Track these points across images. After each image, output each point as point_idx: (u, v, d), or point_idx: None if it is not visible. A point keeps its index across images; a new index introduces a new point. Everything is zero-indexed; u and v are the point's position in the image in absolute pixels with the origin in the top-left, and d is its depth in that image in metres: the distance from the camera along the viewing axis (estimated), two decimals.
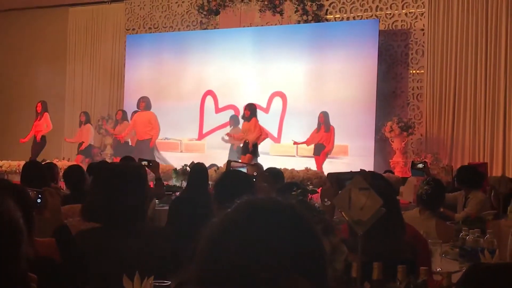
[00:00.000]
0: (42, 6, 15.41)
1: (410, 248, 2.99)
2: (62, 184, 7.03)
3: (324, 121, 11.53)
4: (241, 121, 11.77)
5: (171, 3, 14.29)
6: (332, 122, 11.52)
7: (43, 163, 7.99)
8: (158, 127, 12.90)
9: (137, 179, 3.10)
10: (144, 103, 12.98)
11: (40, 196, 2.93)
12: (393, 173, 10.34)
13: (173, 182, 9.17)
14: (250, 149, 10.93)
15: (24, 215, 1.52)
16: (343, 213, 2.44)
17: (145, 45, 14.10)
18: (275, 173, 6.73)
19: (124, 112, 13.28)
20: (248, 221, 1.21)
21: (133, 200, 3.01)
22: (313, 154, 11.59)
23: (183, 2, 14.15)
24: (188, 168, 7.48)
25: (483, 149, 11.12)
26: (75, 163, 11.76)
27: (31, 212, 2.77)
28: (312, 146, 11.66)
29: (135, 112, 13.14)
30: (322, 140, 11.56)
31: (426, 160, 9.11)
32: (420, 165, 7.07)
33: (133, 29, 14.72)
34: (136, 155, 9.72)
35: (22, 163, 10.09)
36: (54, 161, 10.70)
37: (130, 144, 13.07)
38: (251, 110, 11.16)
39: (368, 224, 2.38)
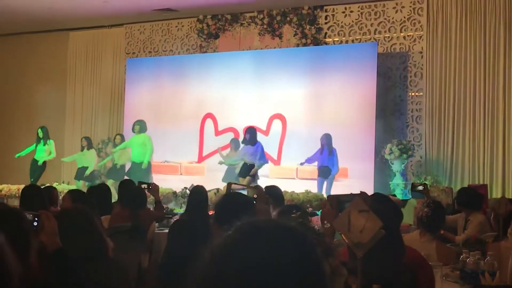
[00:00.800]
0: (43, 31, 15.49)
1: (410, 270, 2.98)
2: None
3: (326, 144, 11.50)
4: (241, 144, 11.80)
5: (171, 27, 14.38)
6: (332, 144, 11.53)
7: (42, 187, 7.99)
8: (151, 149, 12.88)
9: (83, 222, 3.11)
10: (138, 126, 12.96)
11: (36, 219, 2.94)
12: (394, 195, 10.33)
13: (173, 205, 9.18)
14: (251, 173, 10.95)
15: (21, 238, 1.53)
16: (342, 235, 2.44)
17: (145, 68, 14.16)
18: (275, 195, 6.73)
19: (123, 137, 13.29)
20: (249, 243, 1.22)
21: (81, 243, 3.01)
22: (318, 176, 11.53)
23: (182, 26, 14.23)
24: (187, 191, 7.48)
25: (483, 170, 11.12)
26: (75, 187, 11.81)
27: (28, 235, 2.77)
28: (315, 168, 11.62)
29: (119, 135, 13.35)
30: (325, 163, 11.52)
31: (426, 182, 9.10)
32: (420, 187, 7.05)
33: (133, 53, 14.79)
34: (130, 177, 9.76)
35: (22, 186, 10.10)
36: (54, 185, 10.73)
37: (125, 169, 13.01)
38: (251, 133, 11.20)
39: (367, 247, 2.38)
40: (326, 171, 11.47)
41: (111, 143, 13.75)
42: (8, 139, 15.23)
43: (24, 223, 2.83)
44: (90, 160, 13.29)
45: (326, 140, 11.49)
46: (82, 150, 13.52)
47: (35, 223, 2.93)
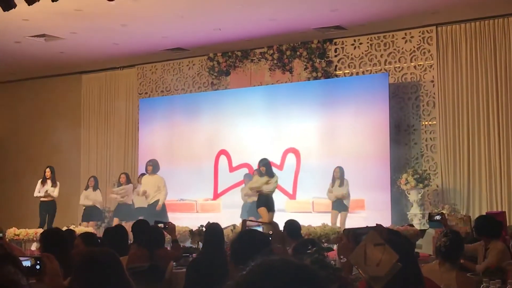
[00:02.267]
0: (56, 75, 15.70)
1: None
2: None
3: (339, 176, 11.44)
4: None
5: (182, 66, 14.50)
6: (347, 176, 11.45)
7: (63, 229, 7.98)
8: (165, 191, 12.70)
9: (109, 264, 3.07)
10: (151, 167, 12.72)
11: (38, 262, 2.93)
12: (412, 225, 10.26)
13: (189, 243, 9.14)
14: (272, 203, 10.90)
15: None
16: (359, 269, 2.42)
17: (158, 108, 14.25)
18: (291, 230, 6.74)
19: (127, 175, 13.14)
20: (262, 283, 1.21)
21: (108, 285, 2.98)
22: (332, 209, 11.44)
23: (193, 64, 14.36)
24: (204, 229, 7.45)
25: (500, 197, 11.03)
26: (91, 228, 11.78)
27: (25, 279, 2.76)
28: (330, 201, 11.55)
29: (142, 174, 13.08)
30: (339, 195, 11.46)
31: (444, 211, 9.03)
32: (438, 217, 6.98)
33: (146, 93, 14.92)
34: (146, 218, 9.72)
35: (40, 231, 10.10)
36: (71, 227, 10.72)
37: (134, 207, 12.80)
38: (267, 165, 11.14)
39: (384, 280, 2.36)
40: (340, 204, 11.39)
41: (117, 183, 13.58)
42: (23, 183, 15.29)
43: (20, 267, 2.82)
44: (98, 199, 13.18)
45: (340, 172, 11.43)
46: (86, 189, 13.37)
47: (38, 266, 2.93)
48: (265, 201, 10.90)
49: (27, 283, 1.50)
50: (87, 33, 12.32)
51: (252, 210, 11.20)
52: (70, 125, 15.38)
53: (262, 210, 10.75)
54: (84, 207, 13.27)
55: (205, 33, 12.42)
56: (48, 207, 12.88)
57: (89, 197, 13.15)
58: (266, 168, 11.11)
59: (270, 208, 10.82)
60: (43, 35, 12.45)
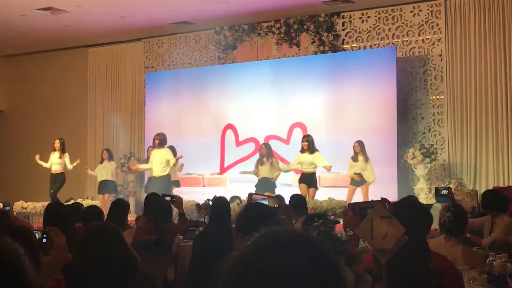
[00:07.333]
0: (63, 48, 15.67)
1: (436, 277, 2.94)
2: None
3: (361, 151, 11.24)
4: (279, 150, 11.69)
5: (189, 39, 14.44)
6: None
7: (70, 203, 8.01)
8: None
9: (113, 240, 3.06)
10: (157, 140, 12.17)
11: (45, 236, 2.95)
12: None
13: (196, 217, 9.17)
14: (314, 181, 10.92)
15: (30, 256, 1.54)
16: (366, 242, 2.42)
17: (165, 82, 14.23)
18: (296, 205, 6.75)
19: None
20: (267, 254, 1.21)
21: (113, 259, 2.98)
22: (351, 184, 11.35)
23: (200, 38, 14.29)
24: (210, 203, 7.47)
25: (507, 172, 11.01)
26: (99, 202, 11.83)
27: (37, 252, 2.78)
28: (337, 175, 11.53)
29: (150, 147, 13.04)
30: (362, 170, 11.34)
31: (450, 186, 9.02)
32: (444, 191, 6.95)
33: (152, 67, 14.88)
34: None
35: (47, 204, 10.13)
36: (78, 200, 10.77)
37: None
38: (310, 141, 11.07)
39: (391, 253, 2.35)
40: (360, 179, 11.24)
41: (133, 157, 13.69)
42: (31, 157, 15.37)
43: (33, 240, 2.84)
44: (111, 172, 13.18)
45: (360, 146, 11.23)
46: (101, 163, 13.41)
47: (44, 240, 2.94)
48: (305, 179, 10.93)
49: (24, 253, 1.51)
50: (93, 6, 12.27)
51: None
52: (77, 99, 15.40)
53: (302, 187, 10.76)
54: (100, 180, 13.24)
55: (212, 6, 12.35)
56: (56, 179, 12.86)
57: (107, 170, 13.11)
58: (308, 144, 11.01)
59: (313, 185, 10.87)
60: (49, 8, 12.40)
